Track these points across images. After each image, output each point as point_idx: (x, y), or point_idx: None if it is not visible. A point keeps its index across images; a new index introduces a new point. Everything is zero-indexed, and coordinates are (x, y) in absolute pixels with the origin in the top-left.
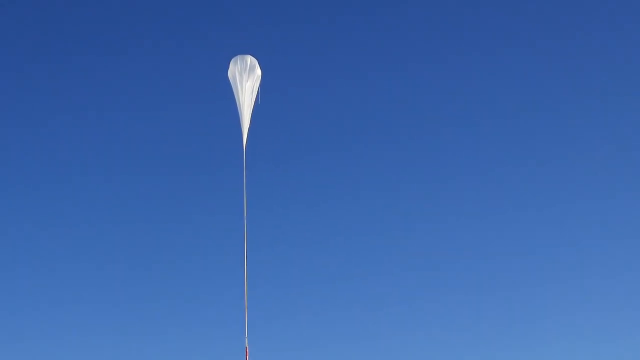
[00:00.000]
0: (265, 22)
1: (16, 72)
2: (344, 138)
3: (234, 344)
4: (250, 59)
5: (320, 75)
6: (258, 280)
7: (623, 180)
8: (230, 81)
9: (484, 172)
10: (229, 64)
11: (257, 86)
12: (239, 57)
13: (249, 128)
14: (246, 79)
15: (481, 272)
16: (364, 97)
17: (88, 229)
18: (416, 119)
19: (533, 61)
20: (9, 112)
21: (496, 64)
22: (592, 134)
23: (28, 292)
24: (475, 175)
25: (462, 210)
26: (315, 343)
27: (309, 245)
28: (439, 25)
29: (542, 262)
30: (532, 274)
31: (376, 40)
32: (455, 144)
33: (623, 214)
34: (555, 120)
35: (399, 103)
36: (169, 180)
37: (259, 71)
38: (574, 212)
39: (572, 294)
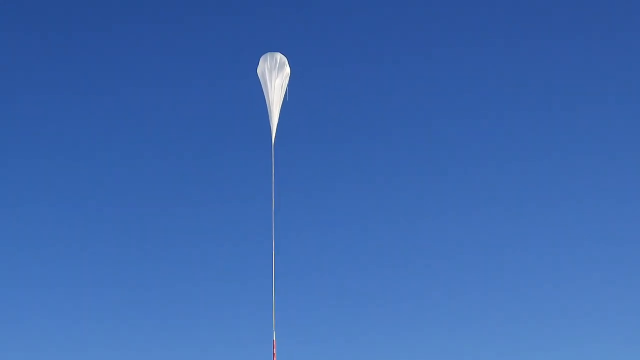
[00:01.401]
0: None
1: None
2: (370, 130)
3: (261, 337)
4: (279, 57)
5: (340, 68)
6: (285, 272)
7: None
8: (260, 78)
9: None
10: (259, 60)
11: (286, 84)
12: (268, 55)
13: (277, 124)
14: (275, 76)
15: (498, 266)
16: (388, 88)
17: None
18: (441, 109)
19: (531, 55)
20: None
21: (501, 58)
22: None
23: (40, 296)
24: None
25: (470, 203)
26: (342, 335)
27: (337, 239)
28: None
29: (549, 262)
30: (541, 272)
31: (402, 29)
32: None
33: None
34: (559, 116)
35: (426, 92)
36: (193, 173)
37: (288, 69)
38: (576, 211)
39: (572, 293)
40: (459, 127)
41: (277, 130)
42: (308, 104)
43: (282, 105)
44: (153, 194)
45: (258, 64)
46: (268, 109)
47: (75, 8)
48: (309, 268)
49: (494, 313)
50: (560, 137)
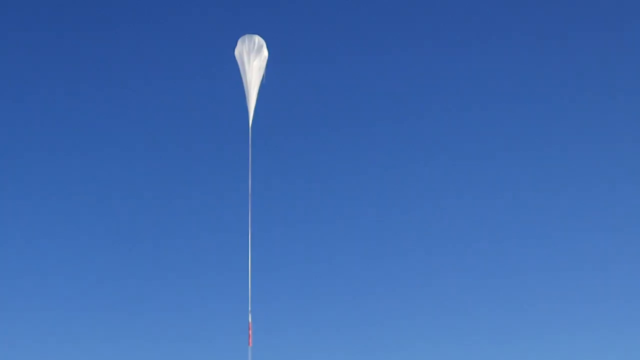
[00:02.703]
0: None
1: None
2: (351, 116)
3: (237, 320)
4: (258, 39)
5: (326, 53)
6: (263, 259)
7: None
8: (237, 60)
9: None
10: (237, 42)
11: (264, 67)
12: (246, 37)
13: (254, 107)
14: (253, 58)
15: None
16: (371, 77)
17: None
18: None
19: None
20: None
21: (486, 56)
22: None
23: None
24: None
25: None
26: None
27: (314, 225)
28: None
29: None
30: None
31: (385, 21)
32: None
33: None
34: (562, 110)
35: (408, 84)
36: (171, 163)
37: (266, 52)
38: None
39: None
40: (443, 120)
41: (254, 114)
42: (287, 91)
43: (259, 88)
44: (124, 184)
45: (236, 45)
46: (245, 91)
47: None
48: (287, 255)
49: (484, 309)
50: (555, 131)
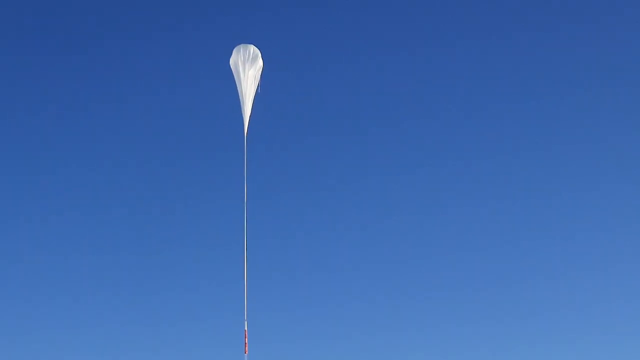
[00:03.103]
0: (266, 8)
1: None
2: (346, 125)
3: (232, 328)
4: (253, 49)
5: (320, 62)
6: (258, 267)
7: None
8: (232, 70)
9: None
10: (232, 52)
11: (259, 76)
12: (242, 46)
13: (250, 116)
14: (249, 68)
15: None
16: (365, 85)
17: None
18: (422, 107)
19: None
20: None
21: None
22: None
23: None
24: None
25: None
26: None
27: (309, 233)
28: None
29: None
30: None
31: (378, 27)
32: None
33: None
34: (564, 109)
35: (401, 90)
36: (167, 168)
37: (261, 62)
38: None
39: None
40: (441, 124)
41: (249, 123)
42: (282, 100)
43: (255, 98)
44: (117, 190)
45: (231, 55)
46: (241, 101)
47: None
48: (283, 262)
49: (486, 312)
50: (555, 131)
